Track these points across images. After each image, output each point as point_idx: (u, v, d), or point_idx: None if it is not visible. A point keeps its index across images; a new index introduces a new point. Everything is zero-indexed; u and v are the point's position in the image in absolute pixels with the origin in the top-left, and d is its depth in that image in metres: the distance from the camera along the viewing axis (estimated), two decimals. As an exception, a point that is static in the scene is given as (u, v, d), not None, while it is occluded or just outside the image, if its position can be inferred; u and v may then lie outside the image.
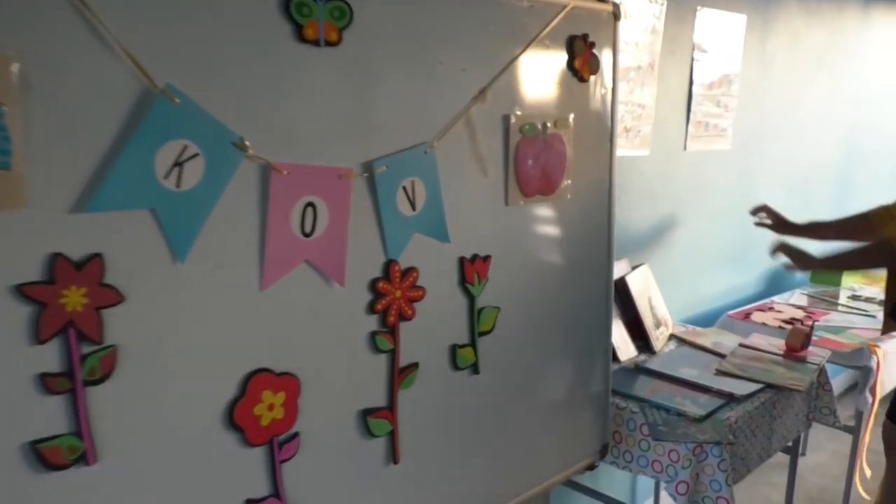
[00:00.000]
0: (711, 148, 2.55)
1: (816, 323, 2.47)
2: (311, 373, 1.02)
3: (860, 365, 2.24)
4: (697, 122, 2.45)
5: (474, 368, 1.27)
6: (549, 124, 1.32)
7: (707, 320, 2.66)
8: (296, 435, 1.01)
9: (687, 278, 2.59)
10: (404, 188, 1.10)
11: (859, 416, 2.29)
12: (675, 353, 2.11)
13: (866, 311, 2.64)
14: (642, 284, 2.23)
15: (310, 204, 0.98)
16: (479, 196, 1.24)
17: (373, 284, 1.09)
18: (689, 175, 2.47)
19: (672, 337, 2.27)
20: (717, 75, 2.49)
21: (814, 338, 2.16)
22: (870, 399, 2.23)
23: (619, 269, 2.21)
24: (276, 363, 0.98)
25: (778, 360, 2.03)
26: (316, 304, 1.02)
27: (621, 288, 2.16)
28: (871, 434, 2.30)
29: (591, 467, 1.63)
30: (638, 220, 2.31)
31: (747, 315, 2.55)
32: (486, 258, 1.26)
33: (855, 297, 2.81)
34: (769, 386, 1.86)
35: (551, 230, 1.39)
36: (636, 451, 1.72)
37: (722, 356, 2.06)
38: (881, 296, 2.79)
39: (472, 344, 1.26)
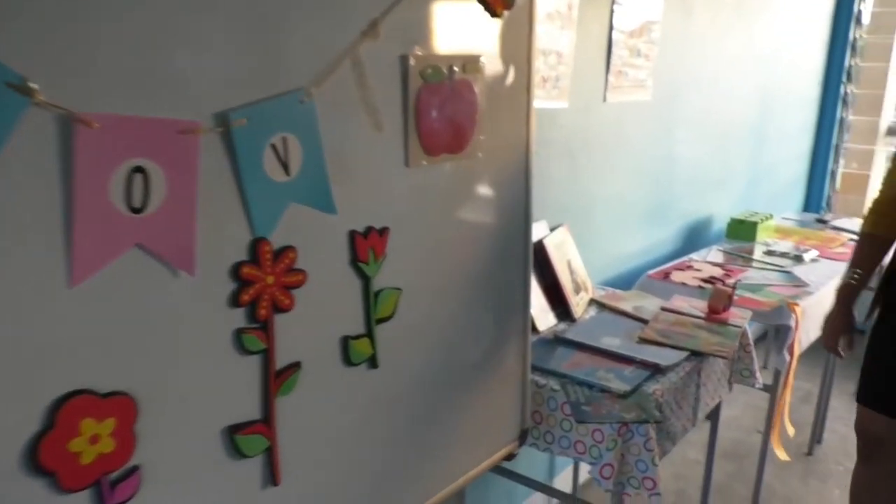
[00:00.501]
0: (631, 99, 2.40)
1: (733, 282, 2.40)
2: (153, 389, 0.79)
3: (780, 324, 2.19)
4: (618, 71, 2.29)
5: (372, 362, 1.07)
6: (456, 68, 1.10)
7: (627, 281, 2.56)
8: (134, 470, 0.78)
9: (606, 238, 2.46)
10: (274, 146, 0.87)
11: (777, 375, 2.25)
12: (597, 319, 1.98)
13: (781, 266, 2.60)
14: (561, 247, 2.08)
15: (138, 169, 0.74)
16: (373, 156, 1.02)
17: (236, 270, 0.86)
18: (608, 128, 2.32)
19: (592, 302, 2.14)
20: (638, 22, 2.32)
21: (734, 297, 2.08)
22: (787, 358, 2.18)
23: (536, 231, 2.04)
24: (100, 382, 0.74)
25: (701, 324, 1.93)
26: (155, 299, 0.78)
27: (539, 252, 2.00)
28: (790, 392, 2.27)
29: (511, 457, 1.48)
30: (556, 178, 2.15)
31: (666, 275, 2.46)
32: (384, 231, 1.05)
33: (770, 253, 2.78)
34: (694, 353, 1.76)
35: (461, 194, 1.19)
36: (557, 432, 1.58)
37: (644, 322, 1.95)
38: (795, 251, 2.77)
39: (369, 334, 1.06)
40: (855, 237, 3.07)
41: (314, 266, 0.95)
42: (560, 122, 2.09)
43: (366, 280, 1.03)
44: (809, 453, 2.89)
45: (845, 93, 4.10)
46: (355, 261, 1.01)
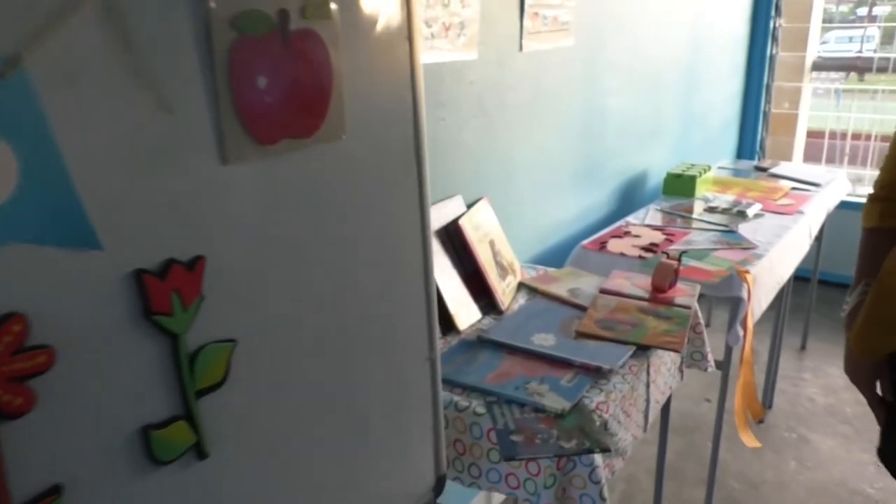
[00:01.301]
0: (552, 46, 2.08)
1: (676, 248, 2.14)
2: None
3: (730, 296, 1.94)
4: (534, 14, 1.95)
5: (198, 451, 0.74)
6: (290, 12, 0.75)
7: (560, 255, 2.27)
8: None
9: (533, 207, 2.16)
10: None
11: (728, 351, 2.01)
12: (527, 310, 1.68)
13: (725, 225, 2.36)
14: (482, 226, 1.76)
15: None
16: (164, 152, 0.67)
17: None
18: (527, 81, 2.00)
19: (522, 287, 1.84)
20: (554, -47, 1.99)
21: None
22: (741, 332, 1.95)
23: (450, 209, 1.72)
24: None
25: (646, 307, 1.66)
26: None
27: (455, 235, 1.68)
28: (749, 370, 2.05)
29: (426, 511, 1.18)
30: (469, 145, 1.82)
31: (602, 244, 2.18)
32: (195, 262, 0.70)
33: (711, 210, 2.54)
34: (641, 347, 1.48)
35: (319, 193, 0.84)
36: (484, 464, 1.29)
37: (582, 309, 1.66)
38: (738, 206, 2.54)
39: (188, 414, 0.72)
40: (798, 185, 2.87)
41: (67, 335, 0.60)
42: (469, 78, 1.75)
43: (172, 338, 0.69)
44: (761, 421, 2.72)
45: (774, 27, 3.89)
46: (149, 313, 0.67)
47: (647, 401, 1.51)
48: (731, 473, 2.42)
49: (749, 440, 2.11)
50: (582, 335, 1.53)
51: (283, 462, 0.85)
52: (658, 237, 2.26)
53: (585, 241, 2.20)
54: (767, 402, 2.78)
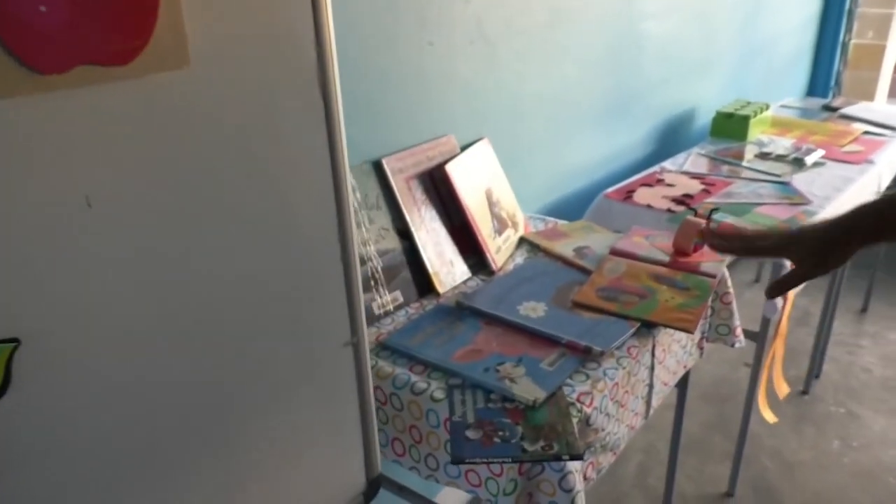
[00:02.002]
0: (577, -41, 1.77)
1: (714, 202, 1.86)
2: None
3: (771, 262, 1.67)
4: (554, -82, 1.65)
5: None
6: None
7: (578, 204, 2.02)
8: None
9: (548, 150, 1.90)
10: None
11: (765, 323, 1.75)
12: (522, 271, 1.46)
13: (777, 175, 2.05)
14: (478, 171, 1.53)
15: None
16: None
17: None
18: (541, 1, 1.71)
19: (524, 242, 1.61)
20: None
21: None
22: (780, 303, 1.68)
23: (438, 152, 1.49)
24: None
25: (661, 273, 1.41)
26: None
27: (442, 182, 1.46)
28: (783, 344, 1.79)
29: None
30: (466, 75, 1.56)
31: (629, 194, 1.92)
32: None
33: (763, 155, 2.22)
34: (646, 324, 1.25)
35: (151, 139, 0.63)
36: (443, 457, 1.11)
37: (586, 272, 1.43)
38: (796, 153, 2.21)
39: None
40: (872, 129, 2.50)
41: None
42: (465, -4, 1.48)
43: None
44: (805, 391, 2.45)
45: (863, -56, 3.39)
46: None
47: (650, 385, 1.29)
48: (764, 450, 2.19)
49: (769, 416, 1.87)
50: (579, 306, 1.30)
51: (131, 481, 0.68)
52: (695, 187, 1.97)
53: (609, 190, 1.94)
54: (815, 371, 2.50)
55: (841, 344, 2.71)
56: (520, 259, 1.53)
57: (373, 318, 1.28)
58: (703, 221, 1.49)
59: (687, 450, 2.17)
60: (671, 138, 2.44)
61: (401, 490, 1.15)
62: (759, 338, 1.78)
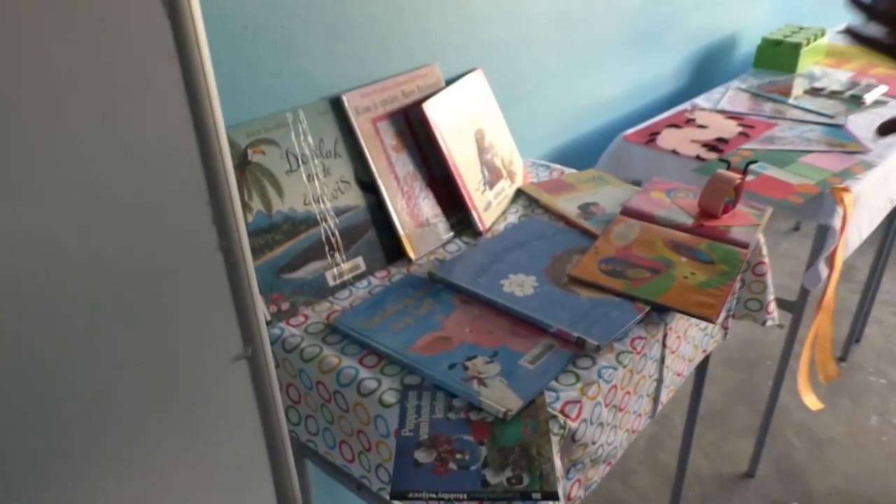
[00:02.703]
0: None
1: (752, 148, 1.58)
2: None
3: (817, 223, 1.40)
4: None
5: None
6: None
7: (593, 146, 1.75)
8: None
9: (558, 83, 1.62)
10: None
11: (804, 294, 1.50)
12: (514, 233, 1.22)
13: (830, 116, 1.75)
14: (466, 110, 1.27)
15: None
16: None
17: None
18: None
19: (521, 195, 1.37)
20: None
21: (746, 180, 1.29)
22: (824, 272, 1.42)
23: (416, 86, 1.24)
24: None
25: (682, 240, 1.16)
26: None
27: (420, 124, 1.21)
28: (830, 319, 1.53)
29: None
30: (455, -7, 1.29)
31: (652, 136, 1.64)
32: None
33: (815, 92, 1.90)
34: (657, 308, 1.01)
35: None
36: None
37: (591, 236, 1.19)
38: (853, 89, 1.89)
39: None
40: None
41: None
42: None
43: None
44: (842, 358, 2.21)
45: None
46: None
47: (659, 380, 1.06)
48: (792, 425, 1.97)
49: (811, 402, 1.63)
50: (576, 282, 1.07)
51: None
52: (731, 129, 1.68)
53: (630, 131, 1.67)
54: (856, 335, 2.25)
55: (887, 304, 2.44)
56: (513, 217, 1.29)
57: (326, 291, 1.06)
58: (737, 177, 1.23)
59: (705, 421, 1.97)
60: (707, 70, 2.13)
61: None
62: (797, 308, 1.54)
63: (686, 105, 1.83)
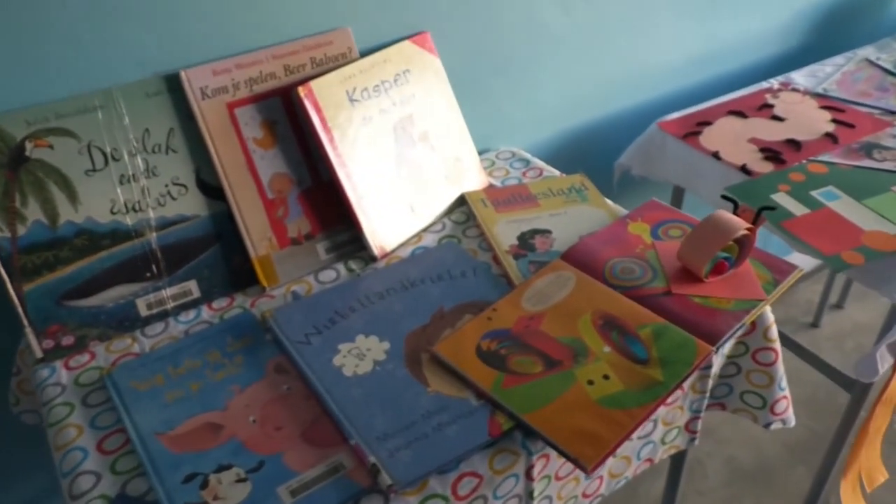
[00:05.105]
0: None
1: (832, 162, 1.11)
2: None
3: (882, 296, 0.96)
4: None
5: None
6: None
7: (626, 131, 1.36)
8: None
9: (571, 46, 1.23)
10: None
11: (860, 391, 1.06)
12: (411, 266, 0.92)
13: (984, 116, 1.20)
14: (384, 91, 0.96)
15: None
16: None
17: None
18: None
19: (464, 203, 1.05)
20: None
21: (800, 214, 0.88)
22: (884, 362, 0.98)
23: (307, 58, 0.95)
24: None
25: (623, 314, 0.80)
26: None
27: (301, 111, 0.93)
28: (886, 413, 1.09)
29: None
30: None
31: (698, 127, 1.22)
32: None
33: (978, 74, 1.33)
34: (523, 428, 0.69)
35: None
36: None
37: (512, 285, 0.87)
38: None
39: None
40: None
41: None
42: None
43: None
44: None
45: None
46: None
47: (529, 522, 0.75)
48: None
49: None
50: (437, 362, 0.77)
51: None
52: (819, 124, 1.21)
53: (670, 116, 1.25)
54: None
55: None
56: (433, 238, 0.99)
57: (135, 323, 0.85)
58: (741, 227, 0.83)
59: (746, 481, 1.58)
60: (837, 26, 1.57)
61: None
62: (856, 389, 1.11)
63: (772, 81, 1.35)
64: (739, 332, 0.85)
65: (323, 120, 0.90)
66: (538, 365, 0.75)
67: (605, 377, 0.73)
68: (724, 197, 0.94)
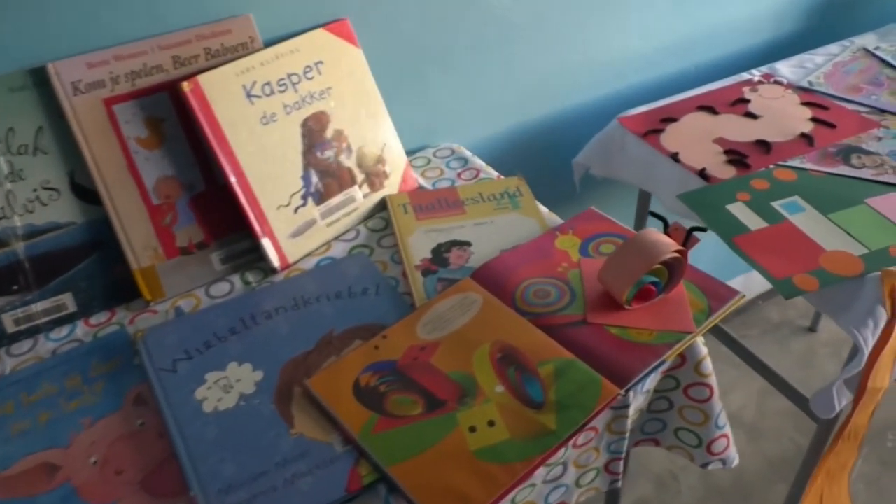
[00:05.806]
0: None
1: (801, 168, 0.99)
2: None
3: (842, 319, 0.84)
4: None
5: None
6: None
7: (591, 127, 1.25)
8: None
9: (528, 32, 1.11)
10: None
11: (823, 427, 0.96)
12: (310, 280, 0.84)
13: None
14: (290, 85, 0.87)
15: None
16: None
17: None
18: None
19: (385, 208, 0.96)
20: None
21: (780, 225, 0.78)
22: (843, 399, 0.87)
23: (201, 48, 0.86)
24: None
25: (526, 347, 0.71)
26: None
27: (192, 114, 0.85)
28: (850, 449, 0.98)
29: None
30: None
31: (661, 124, 1.10)
32: None
33: None
34: (387, 482, 0.61)
35: None
36: None
37: (413, 306, 0.78)
38: None
39: None
40: None
41: None
42: None
43: None
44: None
45: None
46: None
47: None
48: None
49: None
50: (310, 397, 0.69)
51: None
52: (797, 122, 1.09)
53: (631, 111, 1.14)
54: None
55: None
56: (343, 248, 0.90)
57: (1, 340, 0.78)
58: (669, 248, 0.73)
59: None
60: (824, 15, 1.43)
61: None
62: (821, 423, 1.00)
63: (754, 73, 1.23)
64: (665, 367, 0.75)
65: (212, 118, 0.81)
66: (418, 406, 0.66)
67: (491, 423, 0.64)
68: (652, 214, 0.83)
